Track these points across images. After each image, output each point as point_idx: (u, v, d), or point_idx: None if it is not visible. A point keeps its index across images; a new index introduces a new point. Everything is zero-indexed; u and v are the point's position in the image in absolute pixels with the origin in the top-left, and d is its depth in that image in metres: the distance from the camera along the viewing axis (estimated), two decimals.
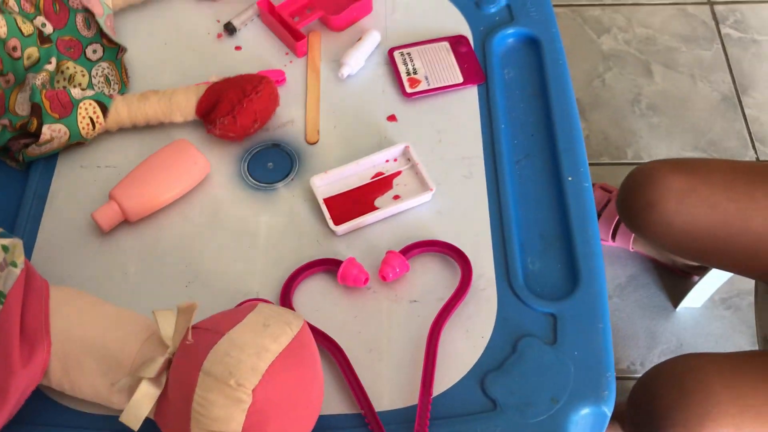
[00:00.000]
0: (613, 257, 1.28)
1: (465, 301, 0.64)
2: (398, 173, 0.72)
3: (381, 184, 0.71)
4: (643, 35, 1.58)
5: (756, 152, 1.42)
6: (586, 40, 1.60)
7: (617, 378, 0.70)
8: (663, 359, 0.84)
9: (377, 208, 0.69)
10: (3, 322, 0.54)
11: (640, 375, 0.88)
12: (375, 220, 0.69)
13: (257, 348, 0.47)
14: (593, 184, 1.17)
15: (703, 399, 0.70)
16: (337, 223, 0.68)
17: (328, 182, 0.71)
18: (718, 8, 1.63)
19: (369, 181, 0.72)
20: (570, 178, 0.70)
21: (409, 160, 0.72)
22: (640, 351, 1.21)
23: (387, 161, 0.72)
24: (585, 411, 0.58)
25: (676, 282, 1.26)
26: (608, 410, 0.59)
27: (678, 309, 1.24)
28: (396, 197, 0.71)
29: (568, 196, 0.69)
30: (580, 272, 0.65)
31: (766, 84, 1.50)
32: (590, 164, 1.17)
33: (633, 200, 0.86)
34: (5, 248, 0.57)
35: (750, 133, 1.44)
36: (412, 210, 0.70)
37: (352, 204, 0.70)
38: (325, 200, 0.70)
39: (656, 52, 1.55)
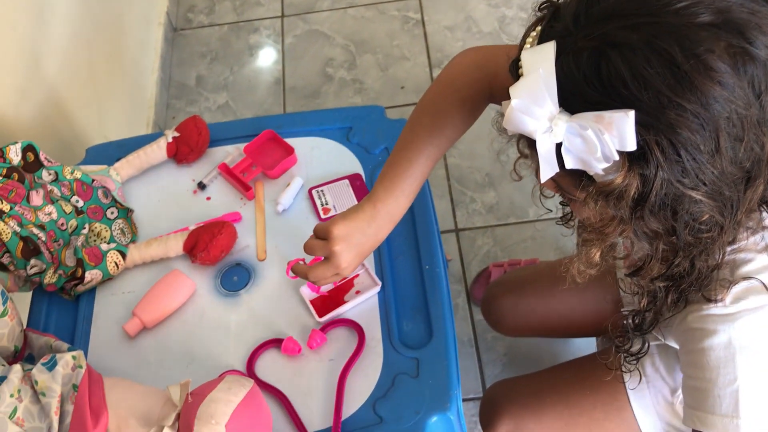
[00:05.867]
0: None
1: (362, 356, 1.01)
2: (356, 275, 1.08)
3: (346, 284, 1.07)
4: None
5: None
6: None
7: None
8: None
9: (346, 302, 1.04)
10: (78, 402, 0.91)
11: None
12: (347, 310, 1.04)
13: (225, 401, 0.84)
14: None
15: (496, 407, 1.11)
16: (320, 316, 1.03)
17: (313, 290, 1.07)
18: None
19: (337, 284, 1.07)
20: (427, 267, 1.08)
21: (363, 265, 1.08)
22: None
23: None
24: (434, 418, 0.95)
25: None
26: (452, 416, 0.96)
27: None
28: (357, 292, 1.07)
29: (426, 279, 1.07)
30: (432, 329, 1.02)
31: None
32: (499, 225, 1.64)
33: (486, 315, 1.38)
34: (74, 357, 0.94)
35: None
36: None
37: (326, 302, 1.05)
38: (311, 301, 1.05)
39: None
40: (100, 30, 1.78)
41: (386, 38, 2.25)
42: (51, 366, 0.91)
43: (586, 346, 1.60)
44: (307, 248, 0.96)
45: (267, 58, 2.28)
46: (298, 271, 0.98)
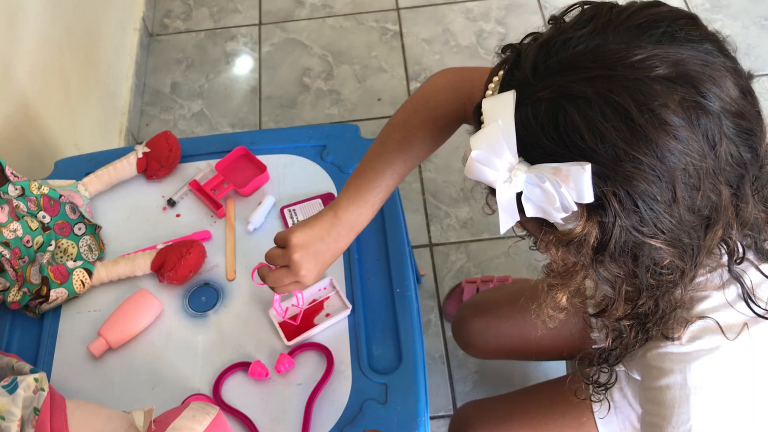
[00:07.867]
0: None
1: (330, 380, 1.00)
2: (327, 298, 1.07)
3: (316, 307, 1.07)
4: None
5: None
6: None
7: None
8: None
9: (316, 325, 1.04)
10: (39, 426, 0.90)
11: None
12: (316, 333, 1.04)
13: (189, 429, 0.82)
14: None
15: (465, 429, 1.09)
16: (289, 339, 1.02)
17: (278, 312, 1.04)
18: None
19: (307, 306, 1.06)
20: (398, 290, 1.07)
21: (334, 287, 1.08)
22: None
23: (319, 290, 1.08)
24: None
25: None
26: None
27: None
28: (327, 315, 1.05)
29: (397, 303, 1.06)
30: (402, 354, 1.01)
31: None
32: (472, 240, 1.61)
33: (456, 337, 1.36)
34: (36, 379, 0.93)
35: None
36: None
37: (295, 324, 1.04)
38: (280, 324, 1.04)
39: None
40: (73, 35, 1.75)
41: (364, 49, 2.25)
42: (12, 389, 0.89)
43: (557, 365, 1.60)
44: (268, 257, 0.96)
45: (243, 66, 2.26)
46: (261, 274, 0.97)
